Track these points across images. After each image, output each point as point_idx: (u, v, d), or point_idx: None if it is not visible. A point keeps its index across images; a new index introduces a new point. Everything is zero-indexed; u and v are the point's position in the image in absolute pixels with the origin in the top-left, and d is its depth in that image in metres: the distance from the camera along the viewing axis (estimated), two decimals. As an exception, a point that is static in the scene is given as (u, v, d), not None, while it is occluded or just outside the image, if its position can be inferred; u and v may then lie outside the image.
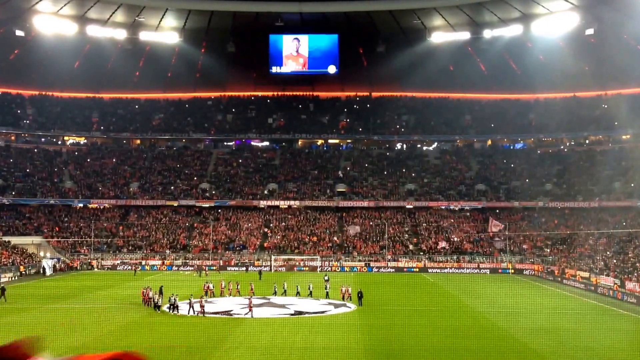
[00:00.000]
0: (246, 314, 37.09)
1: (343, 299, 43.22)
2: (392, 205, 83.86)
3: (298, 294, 46.25)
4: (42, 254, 73.50)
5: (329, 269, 71.59)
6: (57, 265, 70.00)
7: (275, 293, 46.44)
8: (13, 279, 60.83)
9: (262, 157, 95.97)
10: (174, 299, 38.66)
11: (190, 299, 38.56)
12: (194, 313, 37.43)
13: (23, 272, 63.88)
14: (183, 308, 38.71)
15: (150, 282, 54.06)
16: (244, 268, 70.77)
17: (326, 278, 51.73)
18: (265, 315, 37.89)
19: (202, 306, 37.47)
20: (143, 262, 72.87)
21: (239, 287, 47.70)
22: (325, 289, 47.09)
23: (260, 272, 63.40)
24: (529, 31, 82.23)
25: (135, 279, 60.82)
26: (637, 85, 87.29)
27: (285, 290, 47.29)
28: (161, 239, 79.15)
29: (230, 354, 27.23)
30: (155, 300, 39.82)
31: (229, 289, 47.21)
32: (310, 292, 46.70)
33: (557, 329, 34.07)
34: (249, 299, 39.03)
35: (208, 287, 46.45)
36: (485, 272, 71.07)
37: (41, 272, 66.35)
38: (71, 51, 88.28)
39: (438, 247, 75.71)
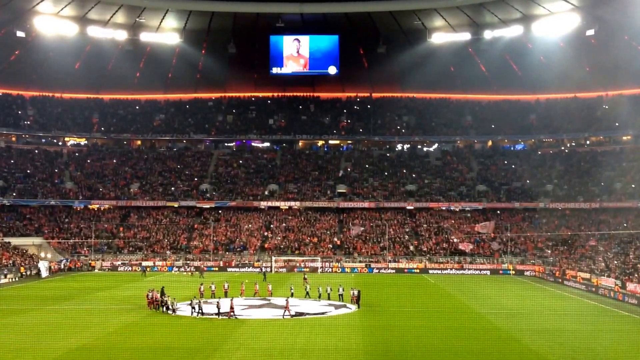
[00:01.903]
0: (286, 315, 37.21)
1: (352, 302, 42.89)
2: (392, 206, 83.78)
3: (320, 296, 45.83)
4: (42, 255, 73.42)
5: (330, 270, 71.68)
6: (56, 266, 69.76)
7: (292, 295, 45.95)
8: (13, 279, 60.81)
9: (263, 157, 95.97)
10: (198, 302, 38.03)
11: (217, 300, 38.43)
12: (220, 315, 36.89)
13: (23, 274, 63.75)
14: (205, 309, 38.22)
15: (153, 283, 54.12)
16: (258, 269, 69.66)
17: (305, 277, 51.87)
18: (265, 317, 37.82)
19: (232, 307, 37.14)
20: (143, 263, 72.68)
21: (257, 287, 47.56)
22: (306, 289, 47.07)
23: (264, 274, 63.34)
24: (530, 32, 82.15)
25: (141, 280, 60.76)
26: (638, 85, 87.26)
27: (307, 292, 46.70)
28: (162, 240, 79.12)
29: (230, 355, 27.21)
30: (169, 303, 39.24)
31: (241, 290, 46.98)
32: (292, 293, 46.38)
33: (558, 330, 34.06)
34: (287, 300, 38.99)
35: (209, 287, 46.34)
36: (485, 273, 71.01)
37: (36, 273, 65.08)
38: (72, 52, 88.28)
39: (461, 247, 74.63)
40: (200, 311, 37.59)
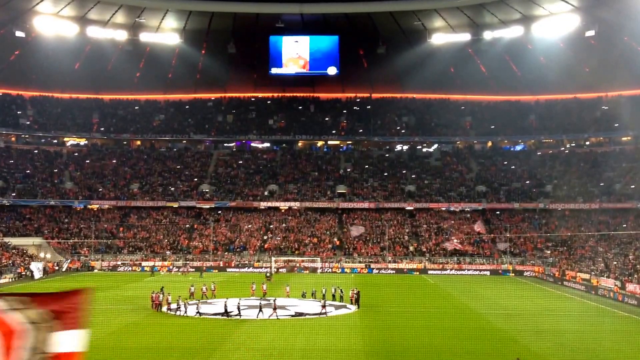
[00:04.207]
0: (321, 313, 38.03)
1: (351, 302, 42.97)
2: (392, 206, 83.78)
3: (333, 297, 45.77)
4: (42, 255, 73.32)
5: (330, 270, 71.64)
6: (55, 266, 69.45)
7: (304, 295, 46.28)
8: (13, 280, 60.75)
9: (263, 158, 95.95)
10: (238, 304, 37.80)
11: (260, 303, 38.46)
12: (264, 315, 36.83)
13: (23, 274, 63.60)
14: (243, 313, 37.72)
15: (155, 283, 54.05)
16: (267, 270, 68.46)
17: (268, 275, 53.65)
18: (265, 317, 37.76)
19: (274, 308, 37.15)
20: (151, 264, 72.52)
21: (265, 287, 47.65)
22: (263, 288, 47.30)
23: (271, 274, 63.28)
24: (530, 33, 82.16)
25: (141, 280, 60.73)
26: (638, 86, 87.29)
27: (321, 293, 46.41)
28: (161, 240, 79.10)
29: (230, 355, 27.20)
30: (180, 306, 38.52)
31: (251, 290, 47.09)
32: (303, 294, 46.67)
33: (557, 331, 34.06)
34: (323, 300, 39.85)
35: (201, 288, 46.31)
36: (485, 273, 71.01)
37: (29, 275, 63.29)
38: (72, 52, 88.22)
39: (446, 245, 75.03)
40: (239, 313, 37.13)
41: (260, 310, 37.21)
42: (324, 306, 38.92)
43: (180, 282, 58.03)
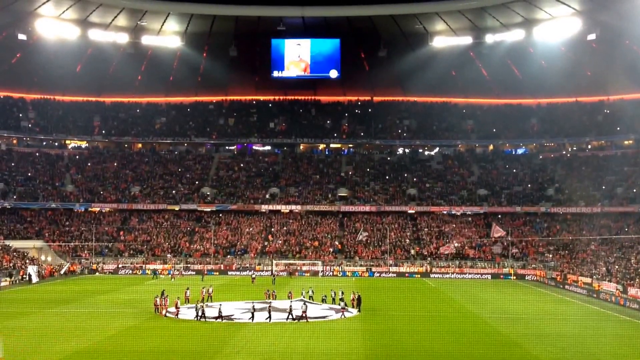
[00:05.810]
0: (341, 316, 38.75)
1: (352, 305, 42.89)
2: (393, 210, 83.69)
3: (333, 300, 45.77)
4: (43, 258, 73.31)
5: (331, 273, 71.58)
6: (52, 269, 69.06)
7: (311, 298, 46.47)
8: (14, 282, 60.71)
9: (264, 161, 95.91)
10: (269, 307, 38.15)
11: (290, 304, 38.71)
12: (293, 318, 37.20)
13: (23, 277, 63.54)
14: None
15: (155, 286, 53.96)
16: (270, 274, 68.58)
17: (253, 276, 54.98)
18: (265, 320, 37.68)
19: (304, 312, 37.33)
20: (153, 267, 72.45)
21: (275, 292, 47.93)
22: (273, 292, 47.77)
23: (274, 277, 63.28)
24: (531, 36, 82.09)
25: (142, 284, 60.64)
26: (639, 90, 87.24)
27: (320, 297, 46.62)
28: (162, 243, 79.04)
29: (231, 358, 27.14)
30: (198, 309, 38.02)
31: (265, 295, 47.13)
32: (311, 296, 46.63)
33: (559, 335, 33.97)
34: (343, 303, 40.30)
35: (207, 290, 46.28)
36: (486, 277, 70.88)
37: (27, 279, 62.52)
38: (73, 55, 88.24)
39: (441, 251, 75.22)
40: (269, 316, 37.39)
41: (290, 313, 37.40)
42: (343, 309, 39.47)
43: (181, 286, 58.02)
